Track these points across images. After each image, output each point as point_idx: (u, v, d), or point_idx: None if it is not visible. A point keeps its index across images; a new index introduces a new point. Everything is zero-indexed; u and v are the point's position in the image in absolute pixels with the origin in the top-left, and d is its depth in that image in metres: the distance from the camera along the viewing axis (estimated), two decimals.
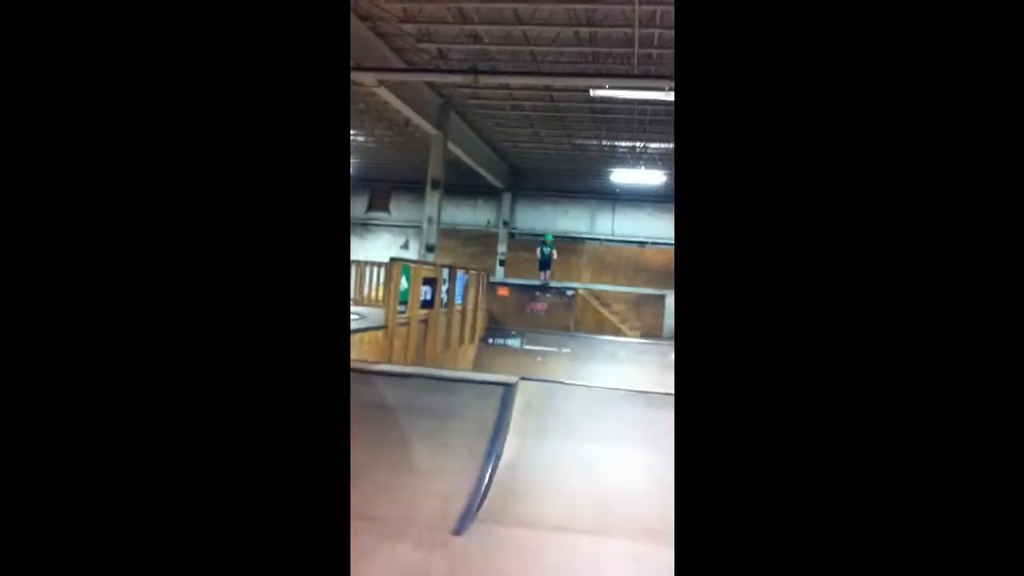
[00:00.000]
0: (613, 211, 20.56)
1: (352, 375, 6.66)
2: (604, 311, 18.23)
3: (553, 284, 17.67)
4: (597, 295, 18.63)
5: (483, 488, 5.05)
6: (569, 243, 20.39)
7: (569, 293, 17.35)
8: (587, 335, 16.16)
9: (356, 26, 9.68)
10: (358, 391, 6.23)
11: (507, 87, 12.47)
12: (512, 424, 5.88)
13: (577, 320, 17.30)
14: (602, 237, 20.65)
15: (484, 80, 10.81)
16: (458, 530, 4.45)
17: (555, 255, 17.73)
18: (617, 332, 17.64)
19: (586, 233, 20.74)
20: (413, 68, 11.23)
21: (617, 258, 20.26)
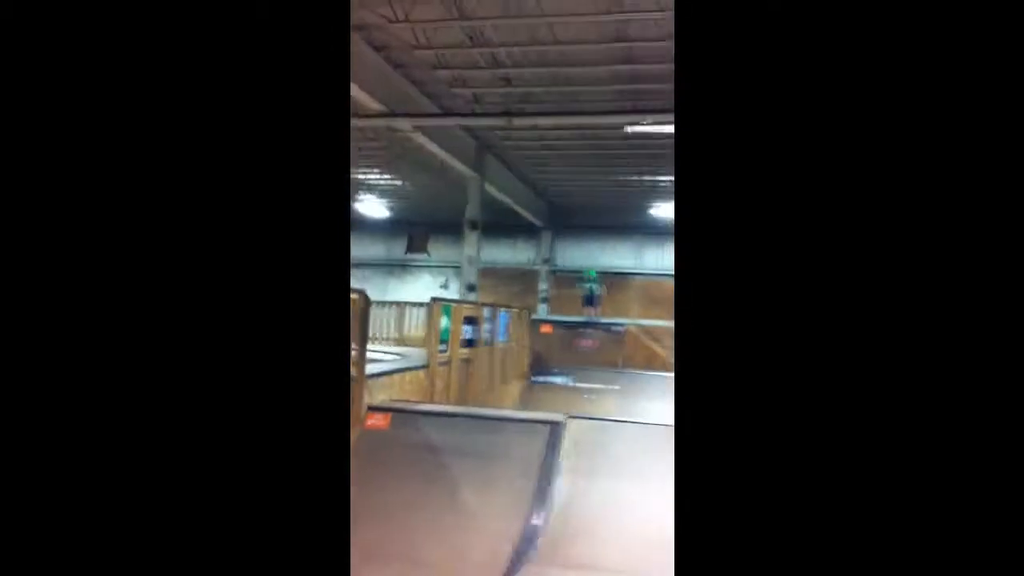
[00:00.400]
0: (660, 245, 20.39)
1: (394, 415, 6.62)
2: (655, 346, 17.88)
3: (602, 320, 17.48)
4: (647, 330, 18.31)
5: (533, 530, 4.92)
6: (616, 278, 20.21)
7: (618, 329, 17.11)
8: (637, 371, 15.85)
9: (389, 74, 9.95)
10: (401, 432, 6.21)
11: (539, 127, 12.60)
12: (562, 463, 5.75)
13: (627, 356, 17.01)
14: (649, 272, 20.44)
15: (517, 122, 10.94)
16: (509, 572, 4.32)
17: (603, 291, 17.54)
18: (668, 368, 17.27)
19: (632, 268, 20.55)
20: (447, 113, 11.45)
21: (665, 293, 19.92)
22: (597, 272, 17.87)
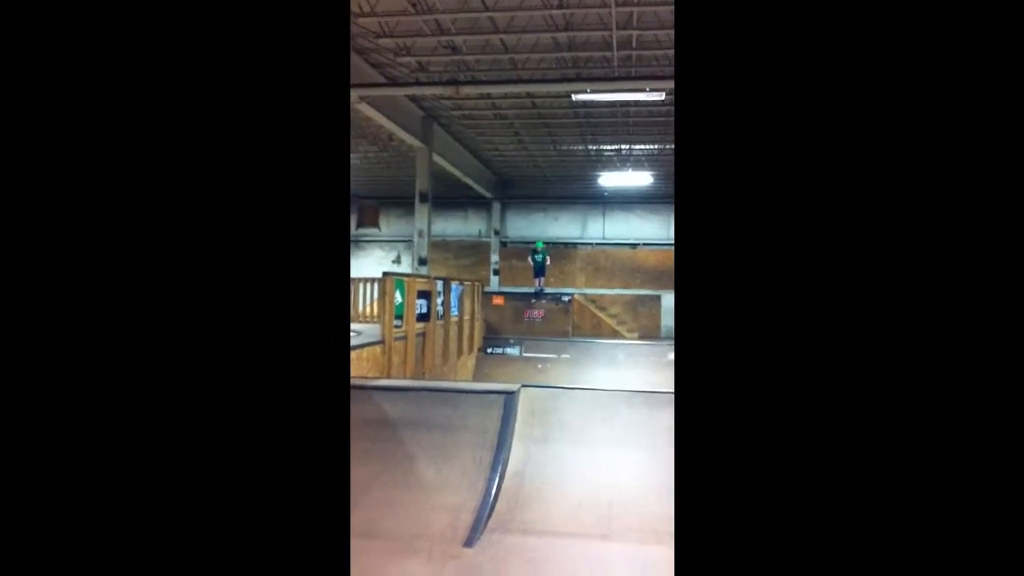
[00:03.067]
0: (603, 215, 20.61)
1: (352, 392, 6.61)
2: (601, 315, 18.22)
3: (549, 290, 17.66)
4: (593, 299, 18.62)
5: (491, 498, 5.02)
6: (562, 249, 20.41)
7: (565, 299, 17.32)
8: (586, 340, 16.14)
9: None
10: (359, 407, 6.21)
11: (489, 96, 12.49)
12: (516, 431, 5.86)
13: (575, 325, 17.28)
14: (594, 241, 20.68)
15: (465, 91, 10.83)
16: (468, 542, 4.42)
17: (548, 261, 17.74)
18: (615, 335, 17.63)
19: (578, 238, 20.77)
20: (393, 82, 11.25)
21: (611, 261, 20.28)
22: (544, 243, 18.03)
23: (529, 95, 12.33)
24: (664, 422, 5.21)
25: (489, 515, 4.75)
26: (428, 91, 11.57)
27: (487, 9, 8.88)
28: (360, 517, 4.76)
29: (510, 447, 5.65)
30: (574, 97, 10.65)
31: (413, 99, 12.57)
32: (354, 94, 10.34)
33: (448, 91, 10.78)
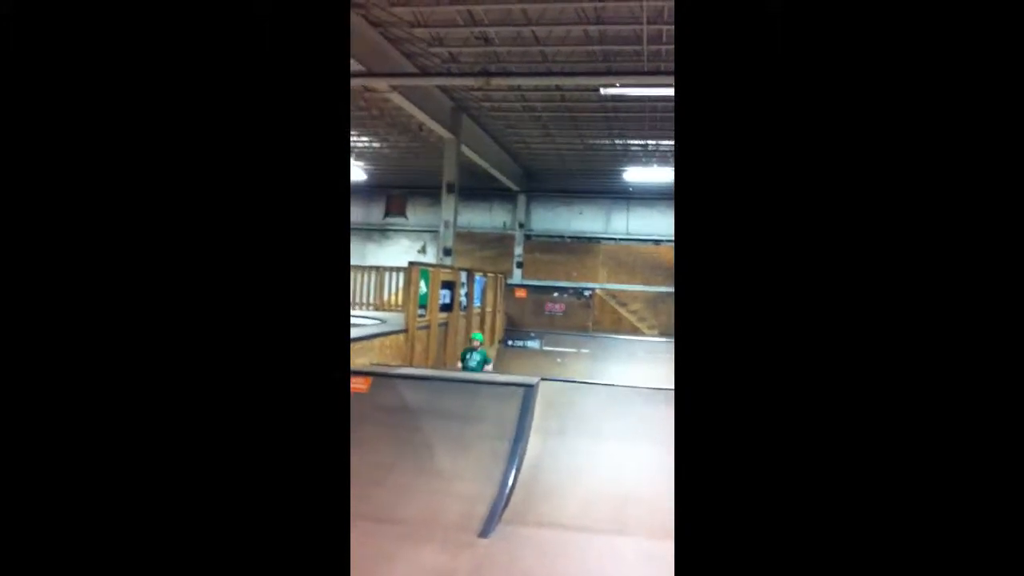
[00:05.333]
0: (627, 210, 20.49)
1: (374, 379, 6.68)
2: (621, 310, 18.17)
3: (570, 284, 17.63)
4: (614, 295, 18.57)
5: (507, 490, 5.07)
6: (584, 243, 20.36)
7: (587, 293, 17.29)
8: (605, 335, 16.11)
9: (368, 32, 9.75)
10: (380, 394, 6.30)
11: (518, 88, 12.48)
12: (534, 424, 5.90)
13: (595, 320, 17.26)
14: (617, 236, 20.58)
15: (495, 82, 10.83)
16: (483, 532, 4.47)
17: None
18: (635, 331, 17.57)
19: (601, 233, 20.68)
20: (425, 72, 11.29)
21: (633, 257, 20.17)
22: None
23: (558, 88, 12.30)
24: None
25: (505, 506, 4.80)
26: (459, 82, 11.59)
27: (520, 0, 8.87)
28: (377, 502, 4.84)
29: (527, 439, 5.69)
30: (602, 91, 10.60)
31: (443, 90, 12.60)
32: (385, 83, 10.39)
33: (479, 82, 10.80)
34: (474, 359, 8.78)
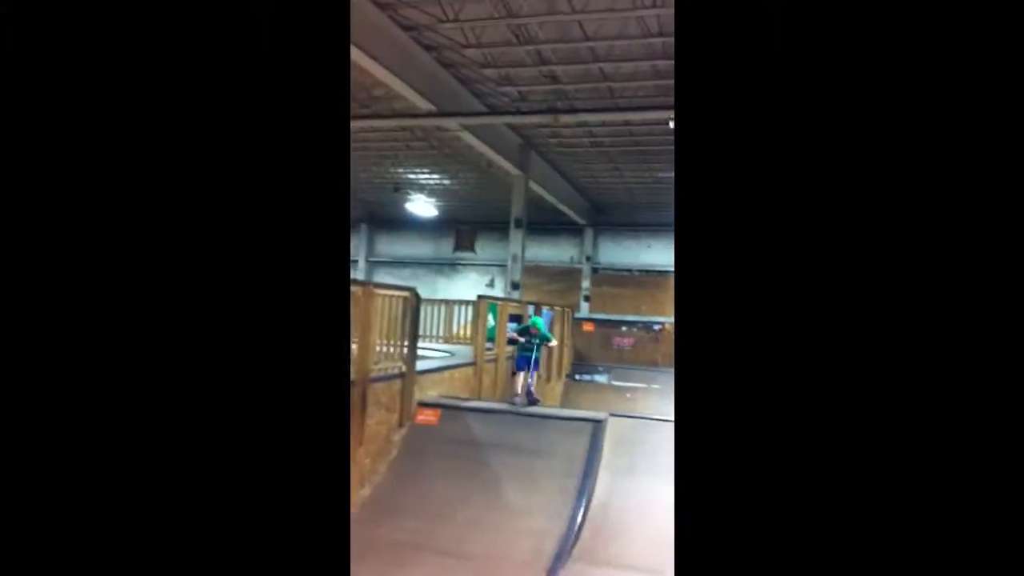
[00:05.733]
0: None
1: (443, 411, 6.72)
2: None
3: (639, 319, 17.37)
4: None
5: (576, 527, 4.99)
6: (653, 276, 20.10)
7: (656, 327, 17.00)
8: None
9: (439, 73, 10.09)
10: (449, 426, 6.36)
11: (586, 124, 12.60)
12: (603, 461, 5.80)
13: (664, 354, 16.91)
14: None
15: (563, 119, 10.97)
16: (552, 570, 4.41)
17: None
18: None
19: (670, 266, 20.35)
20: (494, 111, 11.56)
21: None
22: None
23: (626, 123, 12.34)
24: None
25: (574, 544, 4.72)
26: (527, 120, 11.82)
27: (588, 39, 9.01)
28: (448, 536, 4.85)
29: (596, 476, 5.60)
30: (671, 124, 10.57)
31: (512, 127, 12.85)
32: (454, 122, 10.69)
33: (547, 119, 10.96)
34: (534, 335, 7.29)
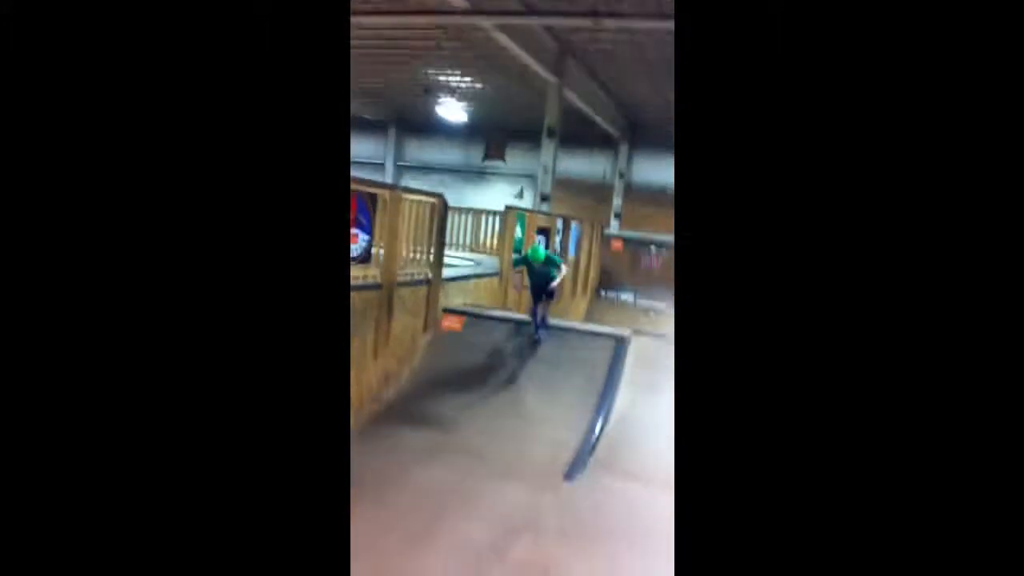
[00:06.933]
0: None
1: (468, 319, 6.79)
2: None
3: (669, 238, 17.14)
4: None
5: (594, 438, 5.06)
6: None
7: None
8: None
9: None
10: (473, 334, 6.41)
11: (629, 31, 11.96)
12: (624, 377, 5.83)
13: None
14: None
15: (605, 23, 10.40)
16: (568, 476, 4.50)
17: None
18: None
19: None
20: (532, 11, 10.99)
21: None
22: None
23: (671, 33, 11.70)
24: None
25: (591, 454, 4.81)
26: (566, 22, 11.23)
27: None
28: (468, 439, 4.97)
29: (616, 391, 5.64)
30: None
31: (549, 30, 12.26)
32: (490, 22, 10.21)
33: (587, 23, 10.40)
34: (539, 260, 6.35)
